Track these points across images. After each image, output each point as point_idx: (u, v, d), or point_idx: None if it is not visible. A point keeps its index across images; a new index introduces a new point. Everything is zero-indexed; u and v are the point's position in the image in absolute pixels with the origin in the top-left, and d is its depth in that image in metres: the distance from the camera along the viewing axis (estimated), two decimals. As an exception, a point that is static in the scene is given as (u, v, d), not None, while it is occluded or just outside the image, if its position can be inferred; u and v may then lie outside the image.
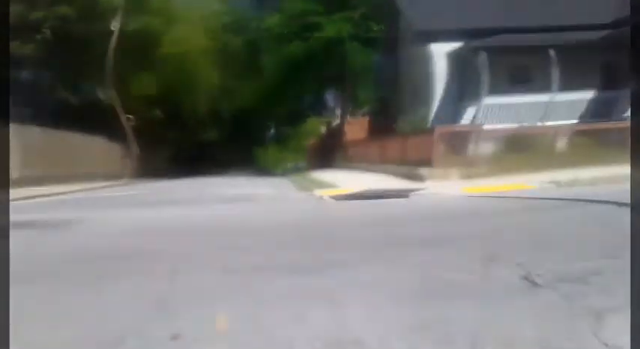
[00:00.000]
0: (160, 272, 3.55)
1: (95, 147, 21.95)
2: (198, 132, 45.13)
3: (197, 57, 36.10)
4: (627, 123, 10.05)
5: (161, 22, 31.35)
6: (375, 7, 24.99)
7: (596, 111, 15.75)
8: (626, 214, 4.59)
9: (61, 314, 2.75)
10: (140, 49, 30.00)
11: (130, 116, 27.95)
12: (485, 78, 15.28)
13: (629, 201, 5.02)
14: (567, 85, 15.33)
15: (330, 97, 33.66)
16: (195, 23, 35.58)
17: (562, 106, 15.56)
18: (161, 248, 4.64)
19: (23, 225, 6.33)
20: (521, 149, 11.87)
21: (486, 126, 13.77)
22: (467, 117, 16.08)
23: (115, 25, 26.79)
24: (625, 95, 13.15)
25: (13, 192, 10.23)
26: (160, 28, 31.45)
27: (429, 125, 16.18)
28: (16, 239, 4.93)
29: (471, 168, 11.09)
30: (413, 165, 12.43)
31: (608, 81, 15.92)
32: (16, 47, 26.16)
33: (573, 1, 17.44)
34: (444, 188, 9.39)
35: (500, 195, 7.95)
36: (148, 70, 32.59)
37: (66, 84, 29.65)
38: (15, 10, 24.78)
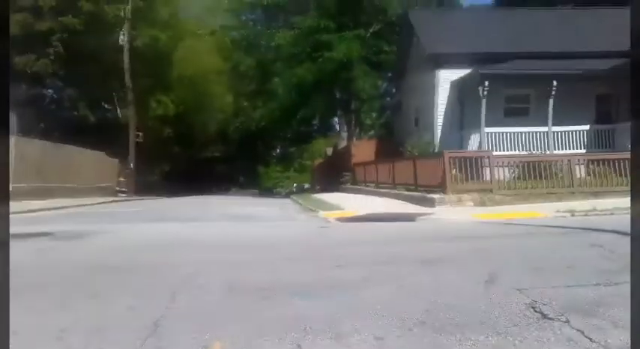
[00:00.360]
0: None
1: (94, 161, 21.73)
2: (203, 149, 45.22)
3: (211, 78, 36.53)
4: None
5: (171, 37, 31.57)
6: (388, 25, 24.97)
7: (604, 141, 15.54)
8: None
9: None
10: (154, 66, 30.27)
11: (140, 133, 27.87)
12: (488, 105, 15.09)
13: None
14: (575, 115, 15.25)
15: (336, 120, 33.69)
16: (205, 39, 35.93)
17: (571, 135, 15.46)
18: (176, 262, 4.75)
19: (41, 235, 6.71)
20: (537, 176, 11.50)
21: (497, 153, 13.50)
22: (472, 144, 15.85)
23: (123, 39, 26.90)
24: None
25: (11, 205, 9.94)
26: (170, 44, 31.70)
27: (436, 149, 15.93)
28: (38, 248, 5.62)
29: (485, 194, 10.71)
30: (423, 189, 12.06)
31: (617, 110, 15.81)
32: (31, 63, 26.52)
33: (590, 28, 17.35)
34: (454, 213, 9.08)
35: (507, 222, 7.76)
36: (164, 91, 32.99)
37: (88, 102, 30.03)
38: (20, 18, 25.03)
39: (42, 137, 19.33)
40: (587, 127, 15.62)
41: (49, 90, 32.63)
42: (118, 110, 31.34)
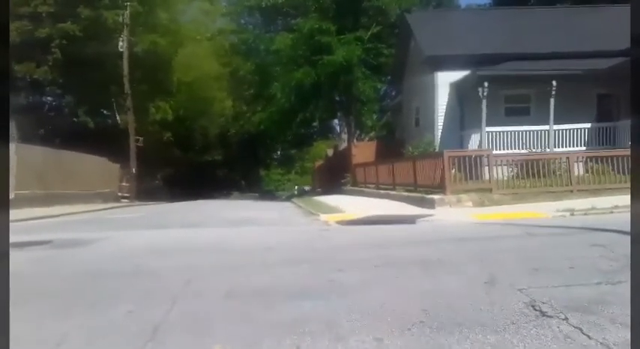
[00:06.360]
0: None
1: (96, 167, 21.75)
2: (204, 153, 45.27)
3: (210, 83, 36.58)
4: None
5: (170, 43, 31.59)
6: (387, 27, 25.00)
7: (605, 138, 15.56)
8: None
9: None
10: (154, 72, 30.32)
11: (140, 138, 27.88)
12: (488, 105, 15.11)
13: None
14: (578, 113, 15.28)
15: (337, 121, 33.75)
16: (203, 44, 35.93)
17: (572, 133, 15.49)
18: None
19: (41, 244, 6.68)
20: (535, 175, 11.49)
21: (497, 152, 13.51)
22: (473, 144, 15.87)
23: (122, 46, 26.94)
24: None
25: (12, 213, 9.96)
26: (169, 50, 31.73)
27: (436, 150, 15.96)
28: (39, 256, 5.63)
29: (485, 194, 10.69)
30: (423, 189, 12.04)
31: (617, 108, 15.82)
32: (31, 70, 26.62)
33: (589, 27, 17.38)
34: (454, 214, 9.08)
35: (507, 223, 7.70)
36: (164, 97, 33.05)
37: (86, 109, 30.12)
38: (19, 26, 25.13)
39: (42, 143, 19.37)
40: (588, 125, 15.63)
41: (49, 98, 32.75)
42: (117, 116, 31.38)
